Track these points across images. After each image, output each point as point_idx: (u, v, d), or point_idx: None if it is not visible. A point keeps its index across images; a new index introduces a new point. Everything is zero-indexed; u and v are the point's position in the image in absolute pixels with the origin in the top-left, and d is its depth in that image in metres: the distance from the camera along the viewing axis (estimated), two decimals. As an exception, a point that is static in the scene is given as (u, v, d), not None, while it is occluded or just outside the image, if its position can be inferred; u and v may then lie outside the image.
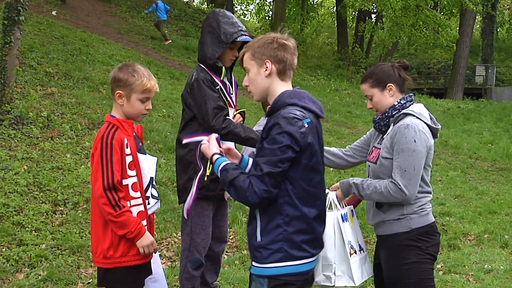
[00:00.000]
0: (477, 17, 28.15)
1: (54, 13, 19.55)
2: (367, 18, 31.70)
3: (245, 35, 4.56)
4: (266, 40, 3.29)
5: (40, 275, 6.66)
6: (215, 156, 3.30)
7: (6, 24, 10.55)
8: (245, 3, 37.56)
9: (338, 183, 4.01)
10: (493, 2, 27.08)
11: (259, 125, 5.01)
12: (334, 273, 3.80)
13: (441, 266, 7.24)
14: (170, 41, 21.08)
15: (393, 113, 3.80)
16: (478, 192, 11.61)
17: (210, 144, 3.38)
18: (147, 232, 3.61)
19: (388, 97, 3.85)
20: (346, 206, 4.03)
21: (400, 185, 3.60)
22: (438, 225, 4.95)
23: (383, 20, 30.64)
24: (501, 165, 14.33)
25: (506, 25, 39.06)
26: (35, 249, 7.15)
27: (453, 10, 27.60)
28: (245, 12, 42.14)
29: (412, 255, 3.73)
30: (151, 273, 3.81)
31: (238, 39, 4.51)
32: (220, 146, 3.38)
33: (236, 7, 33.05)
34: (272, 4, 33.21)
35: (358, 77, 26.56)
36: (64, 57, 15.01)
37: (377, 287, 4.05)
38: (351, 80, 25.55)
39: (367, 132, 4.23)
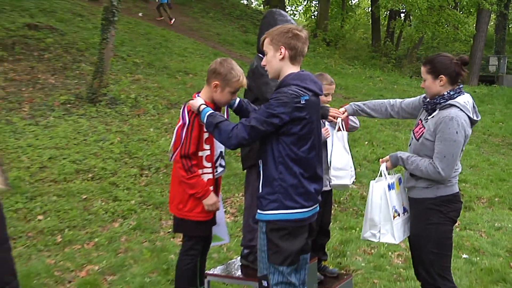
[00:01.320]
0: (491, 15, 27.31)
1: (140, 14, 19.72)
2: (397, 16, 31.17)
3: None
4: (283, 30, 3.33)
5: (130, 224, 6.84)
6: (202, 106, 3.48)
7: (104, 24, 10.75)
8: (295, 4, 37.10)
9: (388, 156, 3.94)
10: (506, 2, 26.46)
11: None
12: (380, 231, 3.80)
13: (458, 224, 7.15)
14: (174, 19, 20.67)
15: (441, 101, 3.66)
16: (490, 163, 11.42)
17: (195, 100, 3.57)
18: (212, 194, 3.65)
19: (438, 86, 3.69)
20: (395, 175, 3.98)
21: (438, 168, 3.56)
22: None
23: (411, 18, 29.97)
24: (510, 141, 14.06)
25: None
26: (127, 204, 7.33)
27: (471, 10, 26.83)
28: (295, 12, 41.60)
29: (435, 217, 3.69)
30: (215, 223, 3.86)
31: None
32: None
33: (287, 8, 32.68)
34: (317, 5, 32.78)
35: (389, 66, 26.20)
36: (148, 50, 15.15)
37: (409, 241, 4.00)
38: (383, 69, 25.13)
39: (418, 97, 4.08)
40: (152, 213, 7.22)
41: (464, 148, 3.71)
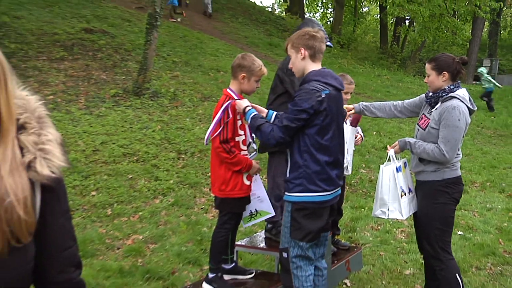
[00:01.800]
0: (485, 22, 26.90)
1: (178, 19, 19.72)
2: (402, 23, 30.81)
3: (328, 40, 4.40)
4: (300, 33, 3.32)
5: (169, 201, 6.87)
6: (248, 108, 3.44)
7: (148, 28, 10.78)
8: (312, 11, 36.75)
9: (396, 141, 3.92)
10: (498, 11, 26.14)
11: None
12: (388, 209, 3.79)
13: (455, 205, 7.10)
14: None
15: (443, 94, 3.64)
16: (483, 152, 11.28)
17: (242, 101, 3.52)
18: (253, 163, 3.65)
19: (440, 81, 3.66)
20: (401, 159, 3.95)
21: (443, 151, 3.53)
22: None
23: (415, 24, 29.60)
24: (501, 133, 13.88)
25: (508, 28, 38.41)
26: (166, 183, 7.36)
27: (467, 17, 26.46)
28: (312, 18, 41.26)
29: (442, 197, 3.66)
30: (249, 202, 3.86)
31: None
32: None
33: (306, 14, 32.45)
34: (332, 12, 32.47)
35: (395, 66, 25.90)
36: (185, 50, 15.17)
37: (415, 218, 3.97)
38: (390, 68, 24.84)
39: (418, 97, 4.07)
40: (187, 192, 7.26)
41: (464, 136, 3.68)
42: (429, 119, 3.73)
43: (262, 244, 4.40)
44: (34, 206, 1.23)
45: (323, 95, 3.14)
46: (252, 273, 4.05)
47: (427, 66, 3.78)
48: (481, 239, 5.85)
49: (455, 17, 25.28)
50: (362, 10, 37.30)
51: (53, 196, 1.29)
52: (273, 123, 3.27)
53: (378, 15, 34.28)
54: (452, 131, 3.54)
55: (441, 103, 3.66)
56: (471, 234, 6.08)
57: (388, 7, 24.62)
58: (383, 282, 4.75)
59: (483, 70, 17.67)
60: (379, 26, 33.15)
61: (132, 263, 5.09)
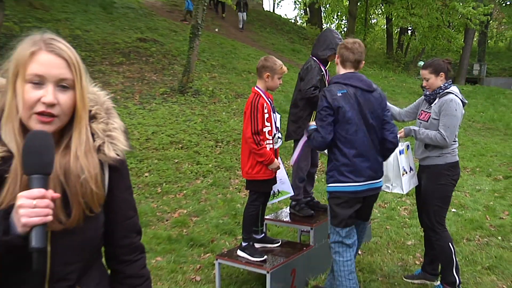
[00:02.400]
0: (475, 32, 26.35)
1: (216, 30, 19.68)
2: (405, 32, 30.31)
3: None
4: (341, 44, 3.26)
5: (208, 181, 6.91)
6: (312, 128, 3.25)
7: (191, 37, 10.79)
8: (329, 22, 36.21)
9: (402, 128, 3.84)
10: (486, 24, 25.75)
11: None
12: (392, 184, 3.76)
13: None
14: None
15: (439, 91, 3.62)
16: (473, 142, 11.00)
17: (312, 124, 3.34)
18: (275, 160, 3.62)
19: (439, 81, 3.63)
20: (404, 143, 3.91)
21: (444, 136, 3.50)
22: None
23: (416, 33, 29.03)
24: (488, 126, 13.52)
25: (494, 38, 38.24)
26: (206, 167, 7.40)
27: (460, 28, 25.94)
28: (331, 28, 40.57)
29: (443, 179, 3.61)
30: (275, 182, 3.84)
31: None
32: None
33: (324, 25, 32.07)
34: (346, 23, 32.00)
35: (399, 69, 25.42)
36: (221, 55, 15.15)
37: (417, 197, 3.94)
38: (395, 71, 24.37)
39: (416, 101, 4.03)
40: (224, 174, 7.28)
41: (460, 125, 3.65)
42: (430, 112, 3.70)
43: (287, 218, 4.38)
44: (103, 182, 1.25)
45: (339, 94, 3.07)
46: (279, 242, 4.05)
47: (424, 72, 3.72)
48: (471, 215, 5.76)
49: (450, 28, 24.82)
50: (371, 22, 36.59)
51: (118, 175, 1.30)
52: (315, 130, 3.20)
53: (385, 26, 33.63)
54: (450, 119, 3.51)
55: (439, 98, 3.64)
56: (463, 211, 5.98)
57: (393, 19, 24.54)
58: (389, 251, 4.69)
59: (421, 63, 17.64)
60: (385, 35, 32.58)
61: (178, 232, 5.15)
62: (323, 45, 4.29)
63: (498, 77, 29.07)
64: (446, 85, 3.65)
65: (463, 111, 3.65)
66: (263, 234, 4.01)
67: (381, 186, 3.30)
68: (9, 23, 11.79)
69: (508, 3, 27.15)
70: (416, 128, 3.74)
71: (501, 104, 16.71)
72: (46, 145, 1.06)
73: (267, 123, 3.61)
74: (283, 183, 3.90)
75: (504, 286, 3.92)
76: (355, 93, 3.12)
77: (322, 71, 4.26)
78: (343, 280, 3.18)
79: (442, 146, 3.59)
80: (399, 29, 30.91)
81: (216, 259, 3.81)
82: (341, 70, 3.24)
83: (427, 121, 3.71)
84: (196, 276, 4.06)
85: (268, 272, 3.53)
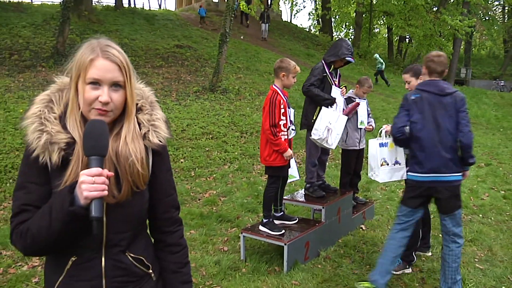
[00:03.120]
0: (462, 41, 25.82)
1: (241, 37, 19.60)
2: (404, 40, 29.89)
3: (350, 57, 4.18)
4: (428, 57, 3.10)
5: (235, 167, 6.91)
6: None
7: (220, 43, 10.77)
8: (338, 31, 35.61)
9: (389, 124, 3.73)
10: (471, 34, 25.77)
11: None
12: (374, 173, 3.62)
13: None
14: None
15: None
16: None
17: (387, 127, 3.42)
18: (288, 149, 3.59)
19: (418, 82, 3.54)
20: (389, 137, 3.66)
21: None
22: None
23: (413, 41, 28.49)
24: (473, 121, 13.00)
25: (477, 47, 38.50)
26: (232, 154, 7.40)
27: (449, 38, 25.50)
28: (337, 36, 39.92)
29: None
30: (290, 167, 3.82)
31: (345, 58, 4.17)
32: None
33: (334, 33, 31.61)
34: (353, 32, 31.46)
35: (399, 72, 24.96)
36: (246, 59, 15.09)
37: None
38: (395, 73, 23.94)
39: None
40: (248, 161, 7.28)
41: None
42: None
43: (302, 199, 4.36)
44: (148, 164, 1.26)
45: (413, 97, 3.03)
46: (296, 219, 4.03)
47: (406, 76, 3.68)
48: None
49: (441, 37, 24.43)
50: (375, 30, 35.94)
51: (160, 158, 1.31)
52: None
53: (386, 34, 33.03)
54: None
55: None
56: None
57: (393, 28, 24.86)
58: (389, 227, 4.62)
59: (376, 56, 17.96)
60: (387, 42, 32.04)
61: (209, 210, 5.18)
62: (332, 51, 4.24)
63: (481, 79, 29.21)
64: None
65: None
66: (282, 212, 4.00)
67: (449, 180, 2.98)
68: (72, 35, 12.04)
69: (487, 18, 27.84)
70: None
71: (483, 103, 16.58)
72: (102, 131, 1.09)
73: (282, 117, 3.57)
74: (292, 168, 3.90)
75: (482, 255, 3.97)
76: (427, 97, 3.01)
77: (326, 73, 4.19)
78: None
79: None
80: (398, 37, 30.42)
81: (241, 233, 3.82)
82: (426, 78, 3.13)
83: None
84: (224, 247, 4.09)
85: (285, 244, 3.53)
